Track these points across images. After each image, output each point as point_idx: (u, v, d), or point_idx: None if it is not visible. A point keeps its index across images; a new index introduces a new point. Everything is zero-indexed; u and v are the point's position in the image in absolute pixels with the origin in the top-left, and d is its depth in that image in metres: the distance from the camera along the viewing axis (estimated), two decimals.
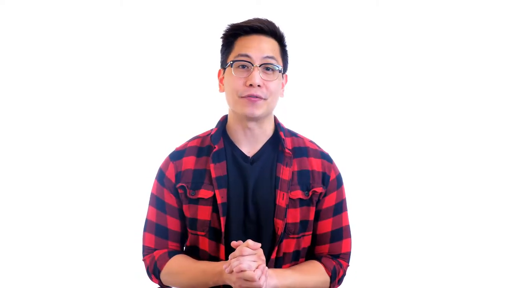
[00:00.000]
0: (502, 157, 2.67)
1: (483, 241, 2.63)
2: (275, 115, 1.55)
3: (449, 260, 2.60)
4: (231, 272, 1.31)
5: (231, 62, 1.44)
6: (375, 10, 2.67)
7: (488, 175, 2.66)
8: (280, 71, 1.45)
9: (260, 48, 1.42)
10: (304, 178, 1.48)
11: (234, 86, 1.42)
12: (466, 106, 2.68)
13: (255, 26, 1.43)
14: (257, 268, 1.30)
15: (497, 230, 2.63)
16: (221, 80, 1.50)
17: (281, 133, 1.50)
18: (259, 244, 1.34)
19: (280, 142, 1.50)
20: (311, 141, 1.56)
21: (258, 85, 1.40)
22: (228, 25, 1.47)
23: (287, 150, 1.48)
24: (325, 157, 1.53)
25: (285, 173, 1.46)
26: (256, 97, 1.41)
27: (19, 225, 2.63)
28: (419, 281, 2.56)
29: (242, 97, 1.42)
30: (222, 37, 1.49)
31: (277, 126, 1.52)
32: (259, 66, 1.41)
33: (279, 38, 1.47)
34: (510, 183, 2.66)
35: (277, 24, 1.47)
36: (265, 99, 1.42)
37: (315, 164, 1.50)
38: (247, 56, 1.42)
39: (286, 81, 1.54)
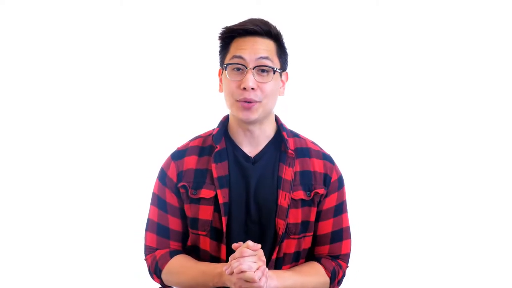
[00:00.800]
0: (502, 157, 2.67)
1: (482, 242, 2.63)
2: (277, 116, 1.55)
3: (448, 261, 2.61)
4: (232, 273, 1.31)
5: (226, 65, 1.44)
6: (375, 10, 2.67)
7: (488, 176, 2.67)
8: (275, 72, 1.44)
9: (254, 49, 1.41)
10: (306, 179, 1.48)
11: (229, 89, 1.43)
12: (465, 106, 2.68)
13: (249, 28, 1.43)
14: (257, 269, 1.30)
15: (496, 231, 2.64)
16: (221, 80, 1.50)
17: (284, 134, 1.50)
18: (259, 245, 1.34)
19: (282, 143, 1.50)
20: (313, 142, 1.56)
21: (252, 88, 1.40)
22: (223, 28, 1.47)
23: (290, 151, 1.48)
24: (327, 158, 1.54)
25: (287, 173, 1.46)
26: (250, 101, 1.40)
27: (21, 225, 2.63)
28: (419, 282, 2.56)
29: (237, 100, 1.42)
30: (218, 39, 1.49)
31: (280, 126, 1.52)
32: (253, 69, 1.41)
33: (275, 37, 1.46)
34: (510, 183, 2.66)
35: (272, 23, 1.46)
36: (259, 101, 1.42)
37: (317, 165, 1.50)
38: (241, 58, 1.41)
39: (287, 79, 1.53)
